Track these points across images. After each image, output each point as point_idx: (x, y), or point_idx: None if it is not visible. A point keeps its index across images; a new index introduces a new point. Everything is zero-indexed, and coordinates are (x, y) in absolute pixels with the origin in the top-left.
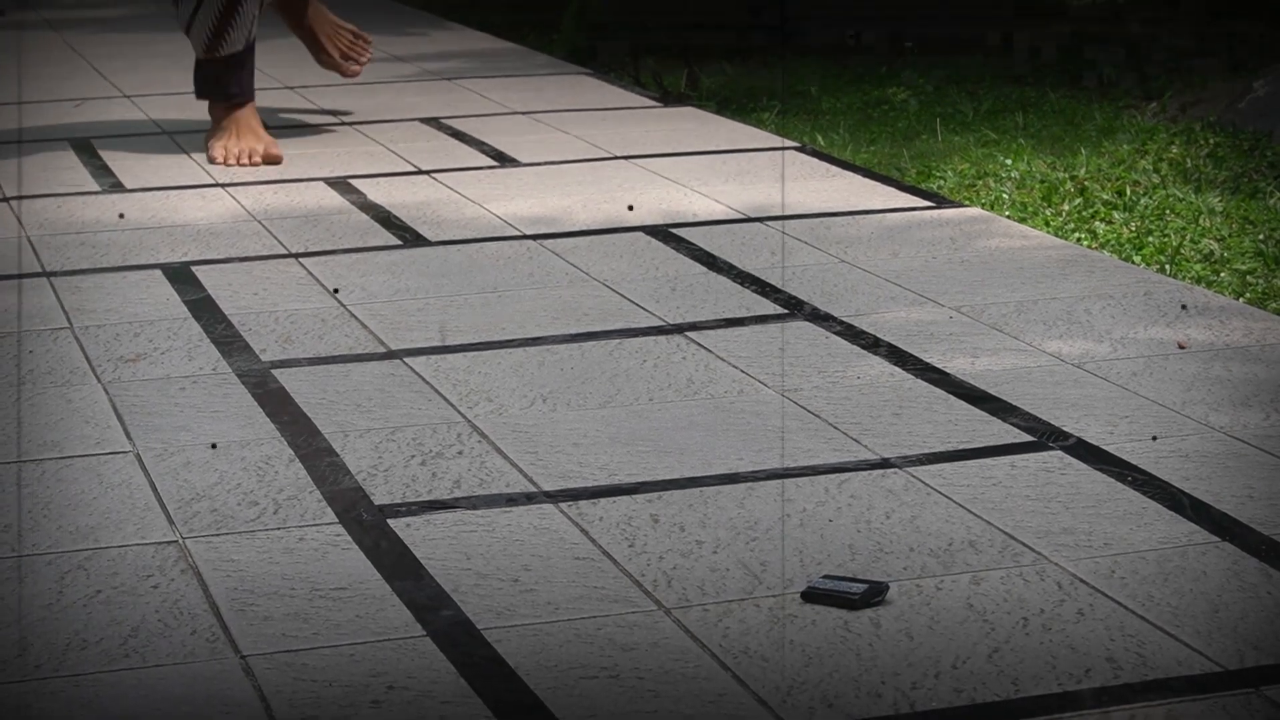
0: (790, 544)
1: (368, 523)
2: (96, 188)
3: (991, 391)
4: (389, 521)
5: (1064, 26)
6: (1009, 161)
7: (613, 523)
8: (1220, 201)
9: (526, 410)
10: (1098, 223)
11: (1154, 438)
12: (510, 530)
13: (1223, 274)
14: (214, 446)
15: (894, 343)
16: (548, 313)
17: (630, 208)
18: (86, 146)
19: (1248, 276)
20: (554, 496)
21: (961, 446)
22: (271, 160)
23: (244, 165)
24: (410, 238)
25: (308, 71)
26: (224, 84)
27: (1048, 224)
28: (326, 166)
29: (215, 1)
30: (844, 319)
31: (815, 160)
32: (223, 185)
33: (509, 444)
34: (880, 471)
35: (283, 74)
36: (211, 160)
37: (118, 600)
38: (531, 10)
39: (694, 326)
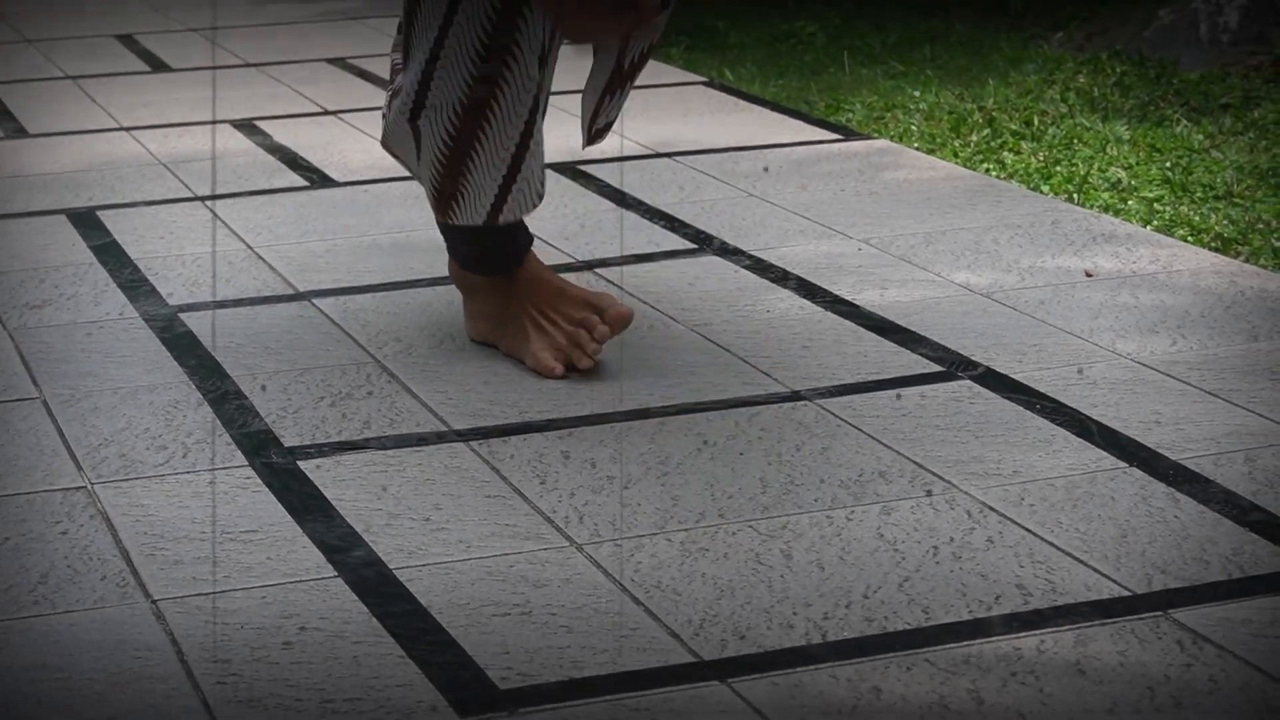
0: (701, 477)
1: (277, 465)
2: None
3: (900, 323)
4: (299, 463)
5: None
6: (917, 93)
7: (524, 460)
8: (1127, 130)
9: (435, 349)
10: (1006, 153)
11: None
12: (421, 470)
13: (1130, 202)
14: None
15: (803, 276)
16: None
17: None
18: None
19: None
20: (464, 435)
21: (871, 378)
22: (621, 320)
23: (590, 359)
24: (317, 179)
25: (206, 13)
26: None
27: (956, 155)
28: (232, 108)
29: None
30: (753, 253)
31: (723, 95)
32: (127, 129)
33: (418, 383)
34: (791, 404)
35: (183, 16)
36: (548, 373)
37: (26, 547)
38: None
39: (603, 263)
